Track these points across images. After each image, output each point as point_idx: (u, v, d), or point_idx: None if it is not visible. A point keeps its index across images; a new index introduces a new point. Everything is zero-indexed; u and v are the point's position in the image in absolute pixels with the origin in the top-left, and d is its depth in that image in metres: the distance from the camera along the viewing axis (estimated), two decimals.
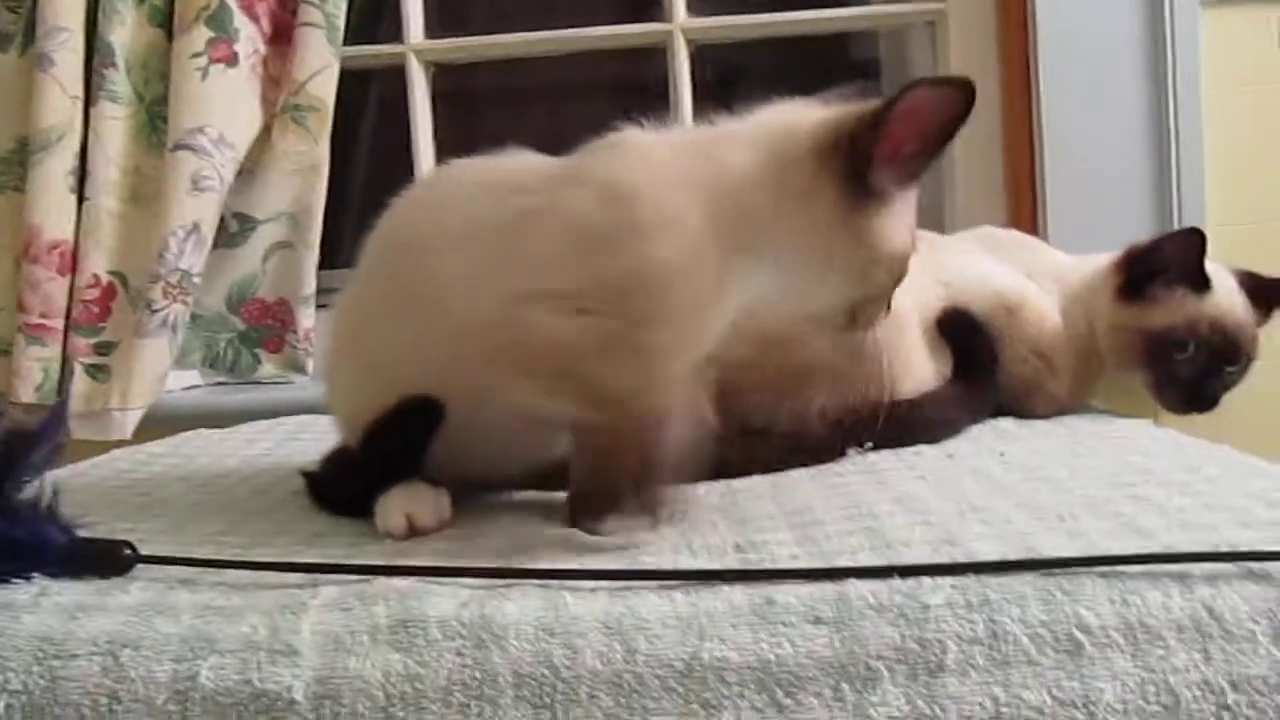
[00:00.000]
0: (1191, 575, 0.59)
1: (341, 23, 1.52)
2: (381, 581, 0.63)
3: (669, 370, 0.74)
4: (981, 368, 1.09)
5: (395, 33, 1.69)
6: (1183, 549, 0.62)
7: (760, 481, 0.87)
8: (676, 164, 0.75)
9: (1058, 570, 0.60)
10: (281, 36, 1.54)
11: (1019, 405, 1.13)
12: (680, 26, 1.61)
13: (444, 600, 0.60)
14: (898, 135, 0.73)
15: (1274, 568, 0.60)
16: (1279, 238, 1.52)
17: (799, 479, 0.85)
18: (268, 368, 1.59)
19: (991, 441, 1.00)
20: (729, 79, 2.22)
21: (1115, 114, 1.51)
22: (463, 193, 0.81)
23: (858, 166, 0.73)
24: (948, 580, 0.59)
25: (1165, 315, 1.14)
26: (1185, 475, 0.82)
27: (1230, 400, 1.21)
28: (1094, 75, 1.51)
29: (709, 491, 0.85)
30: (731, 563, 0.65)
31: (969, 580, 0.59)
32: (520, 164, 0.83)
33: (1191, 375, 1.15)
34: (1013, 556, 0.61)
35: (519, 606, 0.59)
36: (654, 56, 1.65)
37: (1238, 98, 1.52)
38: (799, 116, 0.77)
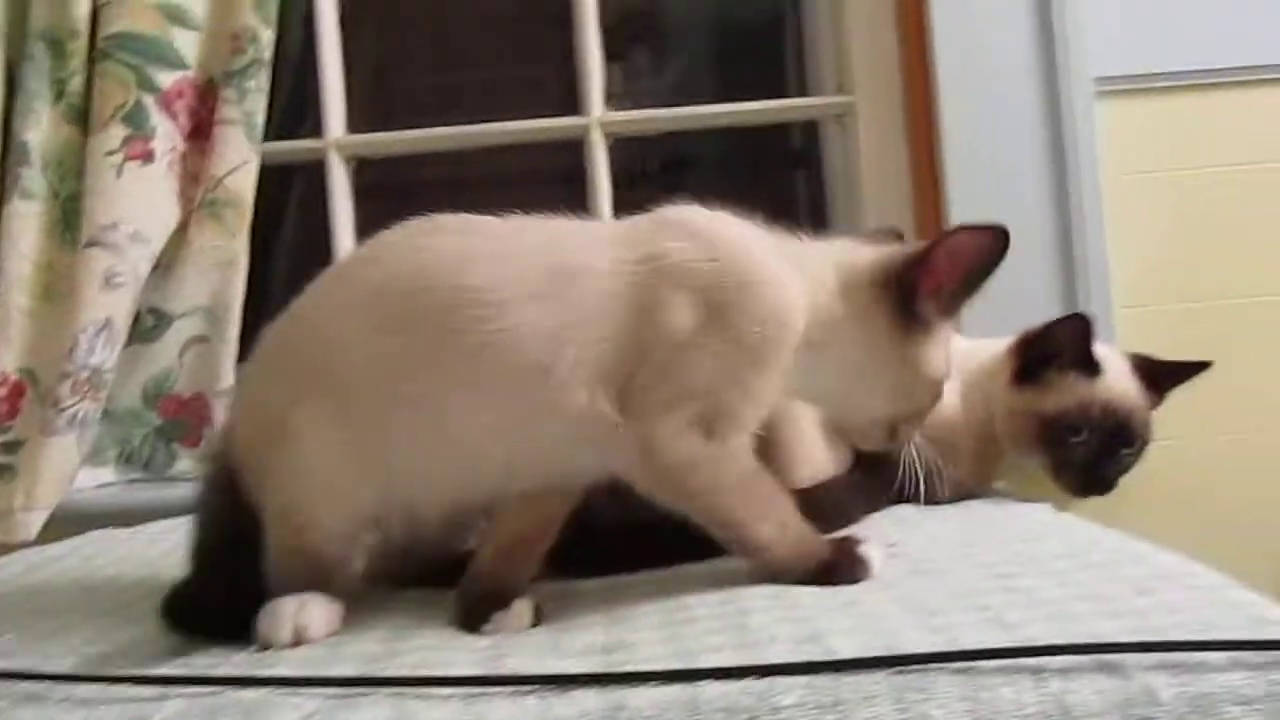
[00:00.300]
0: (1046, 669, 0.59)
1: (261, 119, 1.53)
2: (231, 693, 0.61)
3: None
4: (879, 456, 1.10)
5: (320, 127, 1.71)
6: (1043, 641, 0.62)
7: (646, 576, 0.86)
8: (769, 243, 0.84)
9: (912, 667, 0.59)
10: (200, 133, 1.55)
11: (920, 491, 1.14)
12: (597, 120, 1.64)
13: (290, 713, 0.58)
14: (939, 272, 0.82)
15: (1127, 659, 0.60)
16: (1185, 319, 1.56)
17: (684, 573, 0.85)
18: (184, 463, 1.57)
19: (887, 530, 1.00)
20: (678, 165, 2.27)
21: (1020, 201, 1.55)
22: (519, 246, 0.80)
23: (906, 298, 0.83)
24: (802, 679, 0.59)
25: (1058, 399, 1.16)
26: (1066, 563, 0.83)
27: (1133, 481, 1.23)
28: (997, 164, 1.55)
29: (593, 587, 0.84)
30: (596, 664, 0.64)
31: (824, 679, 0.59)
32: (540, 222, 0.84)
33: (1087, 459, 1.16)
34: (872, 653, 0.61)
35: (369, 717, 0.58)
36: (580, 149, 1.67)
37: (1137, 183, 1.57)
38: (858, 252, 0.87)
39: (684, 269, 0.78)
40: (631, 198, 1.63)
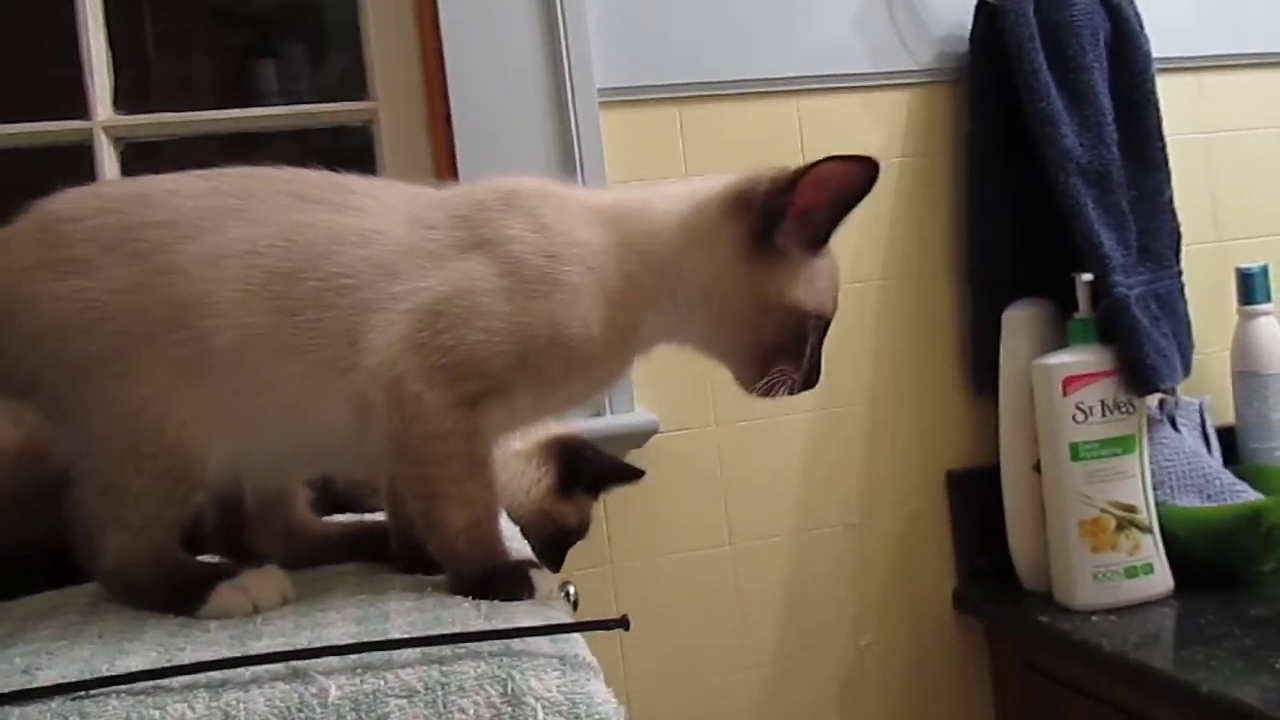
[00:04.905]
0: (232, 682, 0.64)
1: None
2: None
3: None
4: None
5: None
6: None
7: None
8: (600, 218, 0.84)
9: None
10: None
11: None
12: (101, 124, 1.57)
13: None
14: (805, 200, 0.82)
15: (315, 664, 0.65)
16: None
17: None
18: None
19: None
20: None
21: None
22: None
23: (766, 224, 0.82)
24: None
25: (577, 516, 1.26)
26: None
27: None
28: (510, 170, 1.62)
29: None
30: None
31: None
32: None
33: None
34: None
35: None
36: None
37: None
38: (710, 183, 0.86)
39: (514, 252, 0.80)
40: None
